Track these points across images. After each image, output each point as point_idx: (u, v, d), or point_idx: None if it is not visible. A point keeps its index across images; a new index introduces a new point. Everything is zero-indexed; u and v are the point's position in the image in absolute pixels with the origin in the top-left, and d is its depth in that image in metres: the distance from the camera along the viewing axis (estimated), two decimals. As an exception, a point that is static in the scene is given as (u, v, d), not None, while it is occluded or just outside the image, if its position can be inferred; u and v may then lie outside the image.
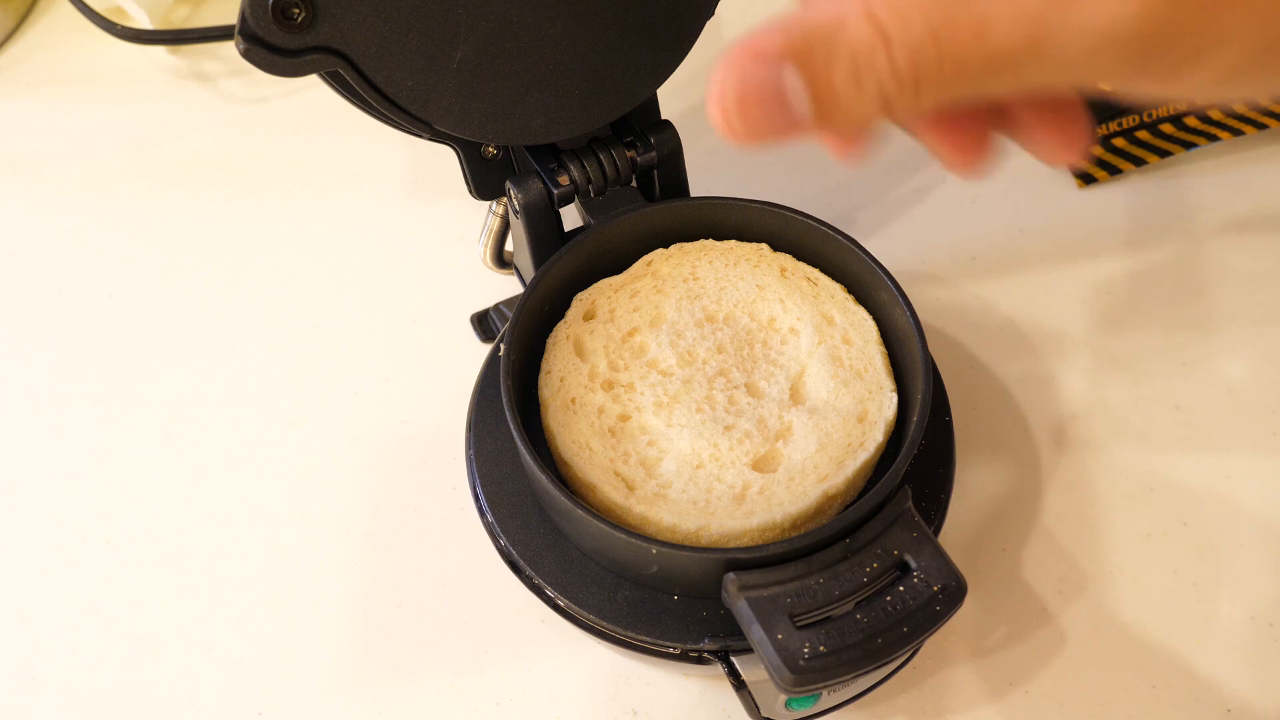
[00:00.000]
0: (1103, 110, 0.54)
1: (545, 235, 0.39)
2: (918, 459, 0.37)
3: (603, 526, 0.31)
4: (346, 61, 0.32)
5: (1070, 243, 0.51)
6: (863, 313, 0.38)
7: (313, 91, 0.59)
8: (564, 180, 0.39)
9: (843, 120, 0.20)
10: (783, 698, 0.32)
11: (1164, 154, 0.54)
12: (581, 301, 0.39)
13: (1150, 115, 0.54)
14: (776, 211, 0.39)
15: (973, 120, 0.23)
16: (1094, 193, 0.53)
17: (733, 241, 0.40)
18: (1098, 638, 0.39)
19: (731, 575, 0.30)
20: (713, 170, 0.55)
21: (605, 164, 0.39)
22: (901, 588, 0.30)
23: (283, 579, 0.41)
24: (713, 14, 0.39)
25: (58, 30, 0.64)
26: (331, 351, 0.48)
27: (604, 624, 0.33)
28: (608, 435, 0.35)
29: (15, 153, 0.57)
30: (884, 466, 0.36)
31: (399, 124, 0.36)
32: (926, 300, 0.49)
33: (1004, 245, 0.51)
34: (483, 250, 0.44)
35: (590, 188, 0.39)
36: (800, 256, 0.40)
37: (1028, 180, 0.54)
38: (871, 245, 0.51)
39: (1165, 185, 0.53)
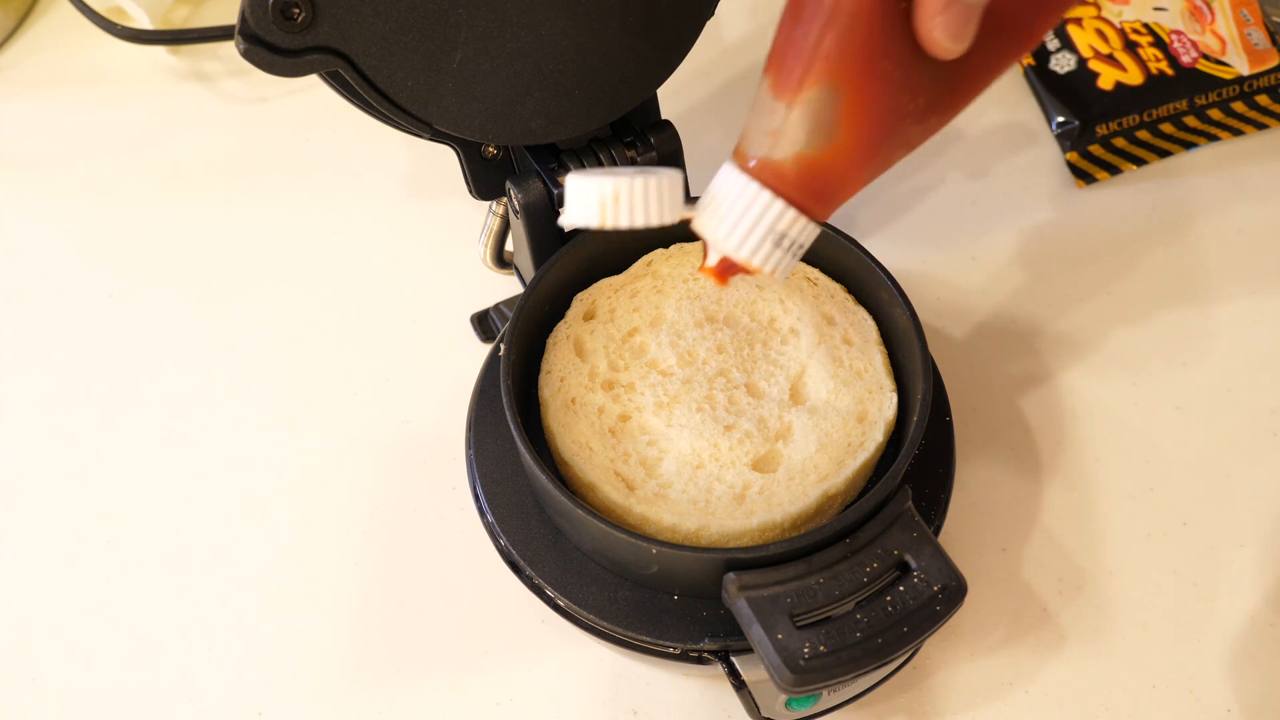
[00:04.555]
0: (1103, 110, 0.54)
1: (545, 235, 0.39)
2: (918, 459, 0.37)
3: (603, 526, 0.31)
4: (347, 61, 0.32)
5: (1070, 243, 0.51)
6: (863, 313, 0.38)
7: (313, 91, 0.59)
8: (564, 180, 0.39)
9: None
10: (783, 698, 0.32)
11: (1164, 154, 0.54)
12: (582, 301, 0.39)
13: (1150, 115, 0.54)
14: (776, 211, 0.39)
15: None
16: (1094, 193, 0.53)
17: (733, 241, 0.40)
18: (1098, 638, 0.39)
19: (731, 575, 0.30)
20: (713, 170, 0.55)
21: (605, 164, 0.39)
22: (901, 588, 0.30)
23: (283, 579, 0.41)
24: (713, 14, 0.39)
25: (58, 30, 0.64)
26: (331, 351, 0.48)
27: (604, 624, 0.33)
28: (608, 435, 0.35)
29: (15, 153, 0.57)
30: (884, 466, 0.36)
31: (399, 124, 0.36)
32: (926, 300, 0.49)
33: (1004, 245, 0.51)
34: (483, 250, 0.44)
35: (590, 188, 0.39)
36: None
37: (1028, 180, 0.54)
38: (871, 245, 0.51)
39: (1165, 185, 0.53)
